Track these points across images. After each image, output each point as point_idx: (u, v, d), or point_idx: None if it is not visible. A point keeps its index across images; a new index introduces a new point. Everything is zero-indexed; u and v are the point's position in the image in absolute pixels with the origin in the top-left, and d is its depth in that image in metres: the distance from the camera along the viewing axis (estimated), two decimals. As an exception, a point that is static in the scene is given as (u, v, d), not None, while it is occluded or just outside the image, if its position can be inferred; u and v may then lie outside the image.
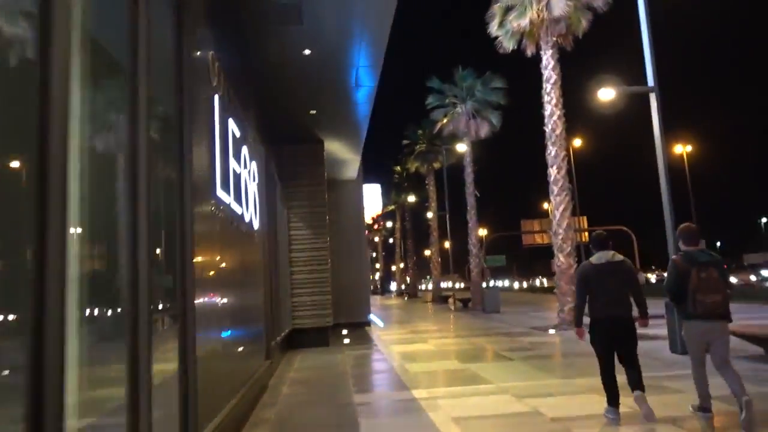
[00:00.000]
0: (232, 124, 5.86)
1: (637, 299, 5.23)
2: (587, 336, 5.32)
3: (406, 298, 44.99)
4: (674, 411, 5.29)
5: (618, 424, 5.01)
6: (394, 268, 55.53)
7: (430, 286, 66.55)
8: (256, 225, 7.45)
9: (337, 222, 18.23)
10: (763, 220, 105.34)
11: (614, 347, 5.15)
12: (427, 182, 35.36)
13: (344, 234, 18.30)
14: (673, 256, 5.19)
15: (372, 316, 23.11)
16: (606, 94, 10.52)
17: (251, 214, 7.10)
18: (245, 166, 6.80)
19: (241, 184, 6.37)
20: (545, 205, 66.43)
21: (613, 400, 5.16)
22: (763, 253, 78.95)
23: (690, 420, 5.02)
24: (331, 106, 11.44)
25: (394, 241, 56.76)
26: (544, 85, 15.37)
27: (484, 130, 24.39)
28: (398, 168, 43.79)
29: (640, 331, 5.32)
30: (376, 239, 77.52)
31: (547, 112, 15.28)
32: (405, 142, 35.72)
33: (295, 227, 13.32)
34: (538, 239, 51.84)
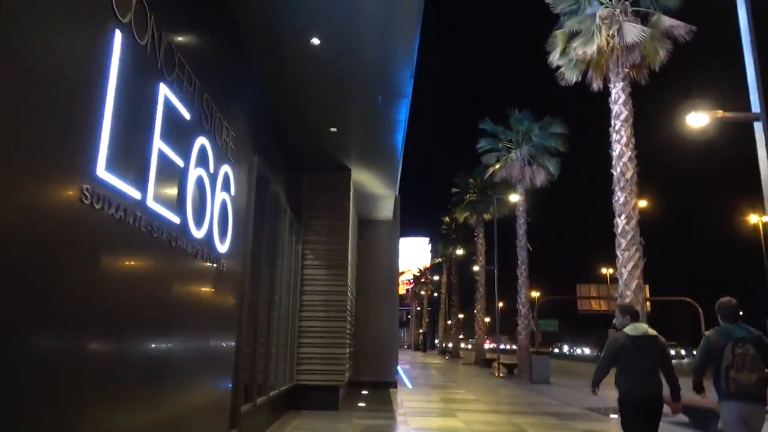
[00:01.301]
0: (168, 94, 4.14)
1: (670, 378, 5.06)
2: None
3: (447, 357, 41.91)
4: None
5: None
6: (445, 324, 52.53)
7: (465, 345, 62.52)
8: (222, 249, 5.62)
9: (367, 267, 16.32)
10: None
11: (640, 427, 4.96)
12: (476, 234, 33.03)
13: (374, 281, 16.32)
14: (707, 333, 4.99)
15: (402, 374, 20.70)
16: (696, 120, 8.33)
17: (212, 233, 5.29)
18: (205, 168, 5.05)
19: (186, 185, 4.60)
20: (603, 270, 62.58)
21: None
22: None
23: None
24: (356, 121, 9.75)
25: (439, 295, 54.01)
26: (612, 122, 13.24)
27: (540, 179, 22.18)
28: (447, 219, 41.68)
29: None
30: (423, 293, 74.86)
31: (615, 153, 13.07)
32: (454, 190, 33.75)
33: (309, 266, 11.45)
34: (594, 305, 48.16)
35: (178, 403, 4.76)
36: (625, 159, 12.88)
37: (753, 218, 45.51)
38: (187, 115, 4.60)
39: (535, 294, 62.95)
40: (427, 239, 53.89)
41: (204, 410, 5.49)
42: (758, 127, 8.06)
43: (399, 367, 25.44)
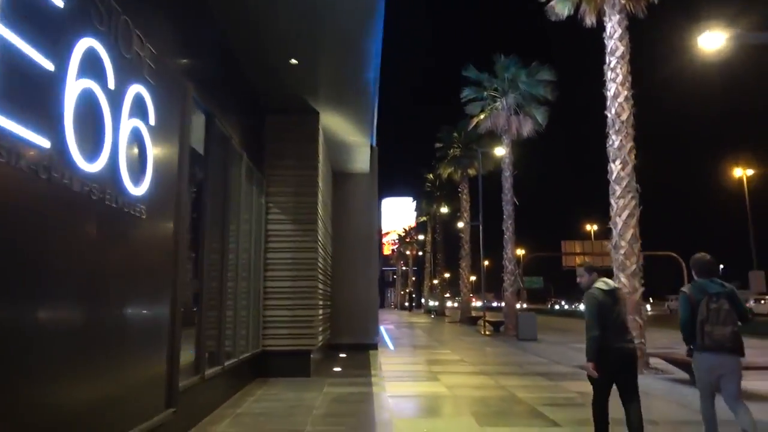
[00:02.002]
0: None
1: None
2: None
3: (432, 317, 41.48)
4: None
5: None
6: (430, 283, 51.94)
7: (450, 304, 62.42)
8: (137, 192, 4.46)
9: (343, 223, 15.26)
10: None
11: (616, 380, 4.85)
12: (460, 190, 31.97)
13: (351, 238, 15.28)
14: (683, 288, 5.02)
15: (385, 335, 19.92)
16: (710, 42, 7.18)
17: (117, 169, 4.12)
18: (100, 83, 3.84)
19: (63, 99, 3.40)
20: (587, 227, 62.29)
21: None
22: None
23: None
24: (321, 53, 8.47)
25: (424, 254, 53.36)
26: (607, 60, 12.04)
27: (527, 129, 21.02)
28: (430, 176, 40.55)
29: None
30: (408, 253, 74.38)
31: (610, 93, 11.92)
32: (437, 145, 32.46)
33: (274, 220, 10.32)
34: (579, 262, 47.76)
35: (94, 386, 3.73)
36: (620, 99, 11.74)
37: (737, 172, 45.29)
38: (58, 1, 3.36)
39: (520, 252, 62.68)
40: (411, 199, 53.08)
41: (133, 389, 4.45)
42: (781, 47, 6.96)
43: (382, 328, 24.73)
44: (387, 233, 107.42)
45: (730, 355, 4.76)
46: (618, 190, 11.60)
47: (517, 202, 21.35)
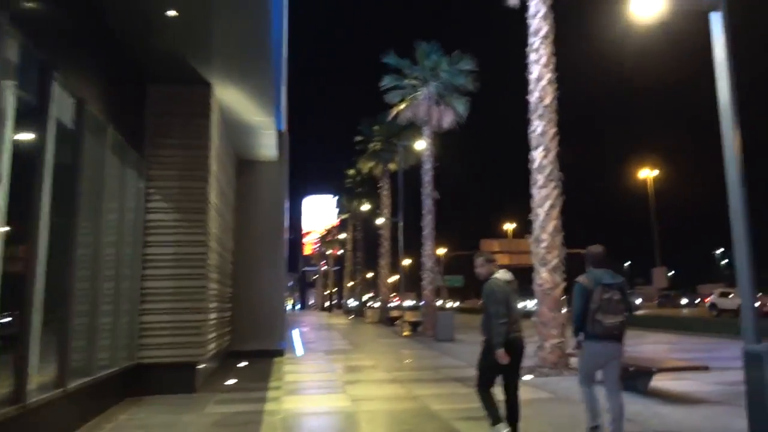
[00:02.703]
0: None
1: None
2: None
3: (352, 318, 40.36)
4: None
5: None
6: (351, 284, 50.63)
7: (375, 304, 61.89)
8: None
9: (247, 217, 13.78)
10: (719, 251, 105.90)
11: (506, 368, 5.00)
12: (380, 186, 31.04)
13: (256, 234, 13.82)
14: (578, 278, 5.17)
15: (297, 339, 18.54)
16: (644, 7, 6.44)
17: None
18: None
19: None
20: (505, 226, 63.49)
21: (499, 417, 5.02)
22: (715, 284, 78.55)
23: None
24: (206, 5, 7.07)
25: (345, 253, 52.09)
26: (530, 41, 11.35)
27: (448, 120, 20.32)
28: (351, 171, 39.36)
29: None
30: (329, 252, 72.98)
31: (533, 76, 11.23)
32: (358, 138, 31.33)
33: (156, 209, 8.76)
34: (498, 260, 48.37)
35: None
36: (543, 82, 11.08)
37: (643, 173, 47.42)
38: None
39: (441, 251, 62.88)
40: (332, 196, 51.87)
41: None
42: (715, 18, 6.33)
43: (296, 331, 23.30)
44: (308, 233, 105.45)
45: (617, 342, 5.01)
46: (540, 179, 10.92)
47: (438, 197, 20.63)
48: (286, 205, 15.20)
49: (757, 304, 5.42)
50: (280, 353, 13.44)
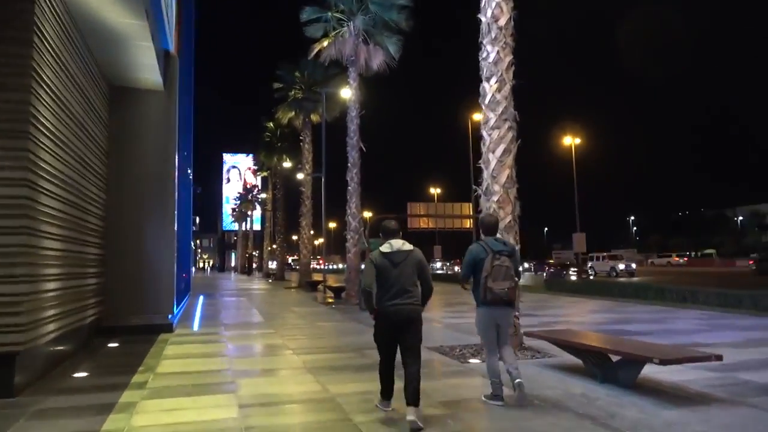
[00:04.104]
0: None
1: (424, 290, 4.94)
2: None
3: (270, 281, 37.75)
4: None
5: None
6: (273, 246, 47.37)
7: (313, 265, 59.04)
8: None
9: (123, 160, 10.89)
10: (632, 218, 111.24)
11: (396, 341, 4.83)
12: (302, 138, 28.22)
13: (135, 181, 11.01)
14: (471, 245, 5.31)
15: (198, 309, 15.88)
16: None
17: None
18: None
19: None
20: (432, 190, 62.37)
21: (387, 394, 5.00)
22: (626, 249, 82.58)
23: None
24: None
25: (264, 213, 48.93)
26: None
27: (378, 60, 17.81)
28: (270, 124, 36.11)
29: None
30: (249, 213, 69.29)
31: (485, -10, 9.01)
32: (276, 85, 28.11)
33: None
34: (423, 224, 47.19)
35: None
36: (498, -2, 8.88)
37: (567, 140, 47.31)
38: None
39: (368, 215, 60.93)
40: (246, 155, 48.56)
41: None
42: None
43: (200, 298, 20.56)
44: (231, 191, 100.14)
45: (508, 307, 5.23)
46: (492, 117, 8.82)
47: (364, 148, 18.26)
48: (176, 144, 12.36)
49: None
50: (168, 328, 10.89)
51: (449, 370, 7.14)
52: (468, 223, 44.84)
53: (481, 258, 5.16)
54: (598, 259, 43.88)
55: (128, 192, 10.89)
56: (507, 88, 8.83)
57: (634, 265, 41.84)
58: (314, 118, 27.29)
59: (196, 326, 12.06)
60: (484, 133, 8.93)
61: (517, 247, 8.65)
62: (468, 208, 44.54)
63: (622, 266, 40.38)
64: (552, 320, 13.38)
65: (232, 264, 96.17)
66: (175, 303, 11.35)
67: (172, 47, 11.33)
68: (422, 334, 4.89)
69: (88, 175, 9.28)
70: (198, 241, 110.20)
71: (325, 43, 18.52)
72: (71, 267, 8.22)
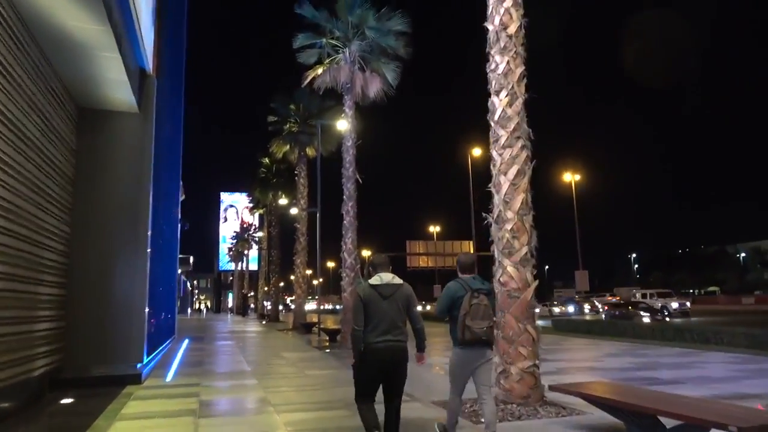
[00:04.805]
0: None
1: (415, 328, 4.86)
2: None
3: (264, 322, 36.18)
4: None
5: None
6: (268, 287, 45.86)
7: (311, 306, 57.29)
8: None
9: (92, 189, 9.81)
10: (633, 255, 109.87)
11: (382, 380, 4.67)
12: (297, 172, 27.27)
13: (104, 213, 9.89)
14: (450, 282, 5.27)
15: (179, 353, 14.47)
16: None
17: None
18: None
19: None
20: (431, 228, 61.38)
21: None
22: (630, 287, 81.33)
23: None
24: None
25: (260, 252, 47.63)
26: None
27: (375, 88, 16.98)
28: (266, 160, 35.27)
29: None
30: (246, 252, 67.99)
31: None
32: (271, 118, 27.33)
33: None
34: (423, 262, 45.93)
35: None
36: (507, 3, 7.97)
37: (567, 176, 46.63)
38: None
39: (366, 253, 59.62)
40: (242, 194, 47.69)
41: None
42: None
43: (185, 342, 19.14)
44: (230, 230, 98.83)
45: (486, 347, 5.08)
46: (503, 135, 7.77)
47: (360, 180, 17.23)
48: (147, 173, 11.31)
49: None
50: (136, 379, 9.56)
51: (461, 435, 5.84)
52: (453, 263, 43.87)
53: (460, 296, 5.04)
54: (644, 296, 37.81)
55: (96, 225, 9.75)
56: (519, 102, 7.80)
57: (688, 304, 35.61)
58: (310, 152, 26.43)
59: (170, 376, 10.70)
60: (495, 153, 7.86)
61: (535, 283, 7.49)
62: (468, 246, 43.51)
63: (675, 305, 33.60)
64: (568, 365, 12.06)
65: (229, 305, 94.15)
66: (145, 350, 10.04)
67: (149, 66, 10.38)
68: (423, 383, 5.44)
69: (46, 206, 8.17)
70: (195, 282, 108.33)
71: (320, 71, 17.71)
72: (18, 310, 7.03)
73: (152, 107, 10.40)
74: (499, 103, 7.85)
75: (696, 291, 72.01)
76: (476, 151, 38.95)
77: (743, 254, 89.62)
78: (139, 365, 9.81)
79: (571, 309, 44.79)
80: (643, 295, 38.28)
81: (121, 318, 9.75)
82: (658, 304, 33.05)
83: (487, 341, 5.02)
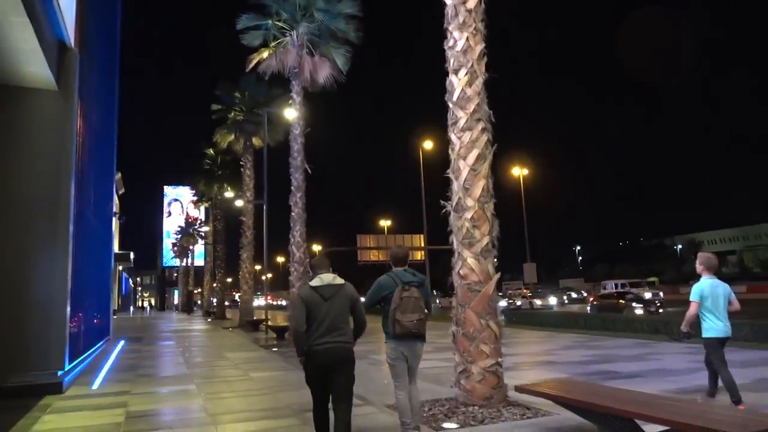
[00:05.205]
0: None
1: (356, 320, 4.78)
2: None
3: (209, 320, 34.75)
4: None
5: None
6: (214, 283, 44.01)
7: (260, 302, 55.70)
8: None
9: (1, 175, 8.69)
10: (578, 247, 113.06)
11: (327, 383, 4.55)
12: (242, 163, 26.08)
13: (15, 204, 8.78)
14: (380, 277, 5.23)
15: (112, 356, 13.32)
16: None
17: None
18: None
19: None
20: (382, 222, 60.86)
21: None
22: (575, 279, 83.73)
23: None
24: None
25: (206, 247, 45.88)
26: None
27: (324, 73, 16.15)
28: (211, 151, 33.77)
29: None
30: (191, 247, 65.70)
31: (449, -34, 7.51)
32: (215, 107, 26.01)
33: None
34: (373, 256, 45.45)
35: None
36: (466, -25, 7.38)
37: (515, 171, 47.12)
38: None
39: (316, 248, 58.50)
40: (188, 188, 45.63)
41: None
42: None
43: (121, 343, 17.87)
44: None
45: (416, 340, 5.04)
46: (462, 117, 7.20)
47: (309, 170, 16.40)
48: (69, 160, 10.22)
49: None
50: (56, 389, 8.53)
51: (420, 445, 5.25)
52: (420, 255, 43.45)
53: (390, 290, 5.02)
54: (623, 287, 35.29)
55: (6, 217, 8.64)
56: (479, 81, 7.25)
57: (661, 294, 31.74)
58: (256, 142, 25.32)
59: (97, 384, 9.67)
60: (453, 137, 7.29)
61: (497, 276, 6.99)
62: (420, 240, 43.26)
63: (648, 295, 29.71)
64: (525, 360, 11.73)
65: (175, 302, 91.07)
66: (66, 356, 9.00)
67: (70, 39, 9.29)
68: (376, 385, 5.33)
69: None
70: (138, 279, 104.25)
71: (265, 54, 16.74)
72: None
73: (74, 85, 9.33)
74: (458, 82, 7.28)
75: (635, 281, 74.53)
76: (428, 144, 38.63)
77: (680, 246, 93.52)
78: (60, 372, 8.78)
79: (553, 301, 42.88)
80: (623, 285, 36.71)
81: (38, 321, 8.69)
82: (647, 295, 29.70)
83: (417, 334, 4.96)
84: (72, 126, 9.32)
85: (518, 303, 40.40)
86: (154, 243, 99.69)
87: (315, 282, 4.68)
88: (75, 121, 9.35)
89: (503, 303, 40.69)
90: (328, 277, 4.69)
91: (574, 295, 47.15)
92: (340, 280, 4.74)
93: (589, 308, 27.91)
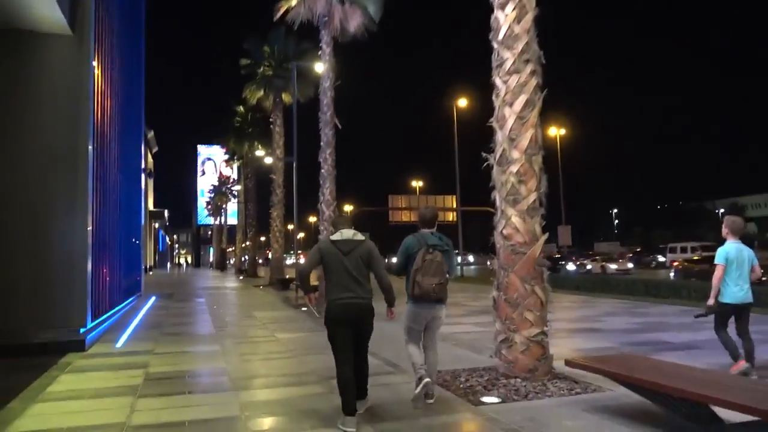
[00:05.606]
0: None
1: (382, 287, 4.75)
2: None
3: (241, 278, 35.00)
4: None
5: None
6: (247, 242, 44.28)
7: (291, 261, 56.05)
8: None
9: (13, 131, 8.30)
10: (614, 211, 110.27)
11: (349, 339, 4.55)
12: (272, 120, 25.54)
13: (30, 158, 8.37)
14: (407, 237, 5.15)
15: (141, 312, 13.20)
16: None
17: None
18: None
19: None
20: (413, 183, 59.90)
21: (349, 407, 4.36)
22: (611, 242, 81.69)
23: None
24: None
25: (239, 205, 46.02)
26: None
27: (355, 22, 15.28)
28: (241, 108, 33.27)
29: None
30: (224, 206, 66.22)
31: None
32: (244, 61, 25.35)
33: None
34: (405, 217, 44.95)
35: None
36: None
37: (552, 131, 45.46)
38: None
39: (348, 208, 58.18)
40: (219, 147, 45.42)
41: None
42: None
43: (151, 300, 17.87)
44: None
45: (436, 303, 5.00)
46: (509, 58, 6.37)
47: (339, 125, 15.73)
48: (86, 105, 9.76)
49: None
50: (78, 346, 8.29)
51: (452, 421, 4.71)
52: (452, 216, 42.60)
53: (414, 251, 4.97)
54: (684, 251, 32.30)
55: (20, 173, 8.27)
56: (529, 17, 6.38)
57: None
58: (286, 98, 24.65)
59: (121, 342, 9.45)
60: (498, 81, 6.49)
61: (544, 237, 6.28)
62: (452, 201, 42.34)
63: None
64: (567, 326, 11.10)
65: (210, 259, 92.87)
66: (89, 314, 8.74)
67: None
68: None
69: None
70: (175, 237, 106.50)
71: (294, 2, 15.91)
72: None
73: (89, 29, 8.77)
74: (504, 18, 6.42)
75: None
76: (462, 102, 37.31)
77: (721, 210, 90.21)
78: (82, 330, 8.54)
79: (630, 265, 36.39)
80: (693, 249, 32.51)
81: (59, 277, 8.43)
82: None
83: (437, 298, 4.92)
84: (88, 75, 8.81)
85: (588, 267, 36.25)
86: (189, 201, 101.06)
87: (335, 236, 4.69)
88: (91, 68, 8.83)
89: (571, 267, 37.44)
90: (348, 233, 4.69)
91: (661, 258, 41.36)
92: (360, 237, 4.72)
93: (673, 274, 25.22)
